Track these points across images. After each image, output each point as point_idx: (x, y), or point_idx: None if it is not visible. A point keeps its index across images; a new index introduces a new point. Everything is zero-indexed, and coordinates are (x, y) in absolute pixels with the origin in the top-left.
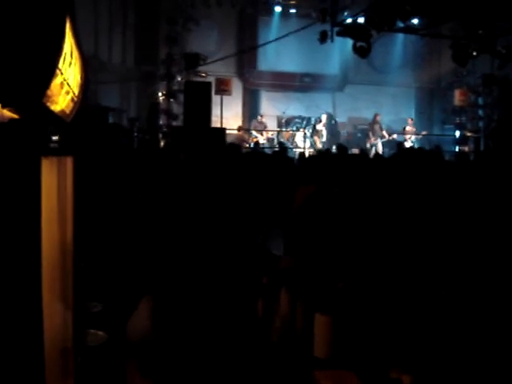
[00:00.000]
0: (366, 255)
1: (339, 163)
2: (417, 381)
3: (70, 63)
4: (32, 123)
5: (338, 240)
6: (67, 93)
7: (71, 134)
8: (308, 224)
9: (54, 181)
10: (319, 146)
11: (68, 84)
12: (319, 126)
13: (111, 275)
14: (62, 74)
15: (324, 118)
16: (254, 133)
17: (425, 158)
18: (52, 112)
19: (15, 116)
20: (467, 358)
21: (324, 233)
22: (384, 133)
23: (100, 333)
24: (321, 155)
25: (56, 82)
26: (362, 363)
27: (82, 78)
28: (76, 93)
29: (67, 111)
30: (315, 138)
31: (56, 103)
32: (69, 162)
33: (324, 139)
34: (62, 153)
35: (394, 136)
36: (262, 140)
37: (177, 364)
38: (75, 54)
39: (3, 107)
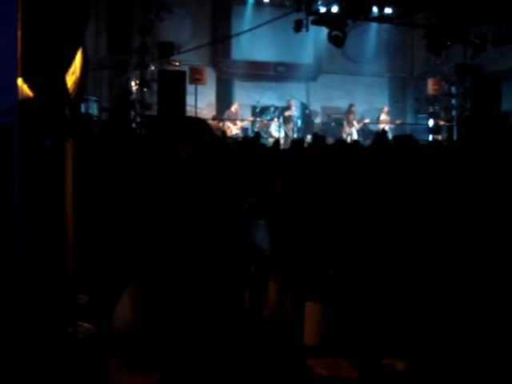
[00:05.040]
0: (357, 242)
1: (318, 153)
2: (410, 367)
3: None
4: (54, 101)
5: (327, 227)
6: (73, 73)
7: (73, 117)
8: (296, 213)
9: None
10: (291, 134)
11: (75, 64)
12: (288, 113)
13: (97, 266)
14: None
15: (292, 104)
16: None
17: (401, 143)
18: (67, 90)
19: (30, 94)
20: (461, 343)
21: (313, 221)
22: (355, 122)
23: (86, 324)
24: (296, 146)
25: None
26: (354, 350)
27: (83, 61)
28: (78, 75)
29: (70, 93)
30: (287, 126)
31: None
32: (69, 145)
33: (299, 125)
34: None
35: (366, 120)
36: (235, 130)
37: (162, 355)
38: None
39: (25, 82)
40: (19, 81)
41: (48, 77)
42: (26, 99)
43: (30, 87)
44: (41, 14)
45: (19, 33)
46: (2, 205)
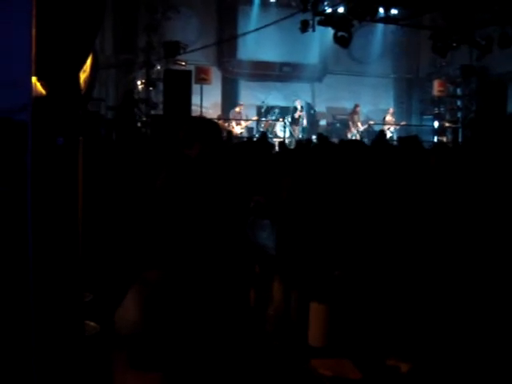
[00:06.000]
0: (362, 243)
1: (323, 153)
2: (415, 368)
3: None
4: (67, 98)
5: (333, 228)
6: (84, 71)
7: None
8: (302, 213)
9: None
10: (298, 135)
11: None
12: (298, 114)
13: (101, 264)
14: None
15: (299, 105)
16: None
17: (406, 144)
18: (80, 88)
19: (43, 91)
20: (465, 345)
21: (319, 221)
22: (359, 124)
23: (92, 323)
24: (303, 146)
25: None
26: (358, 351)
27: (93, 60)
28: (88, 73)
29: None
30: (293, 126)
31: None
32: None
33: (304, 125)
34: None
35: (371, 122)
36: (239, 130)
37: (167, 355)
38: None
39: (38, 80)
40: (33, 79)
41: (62, 75)
42: (40, 97)
43: (43, 85)
44: (54, 11)
45: (34, 31)
46: (15, 201)
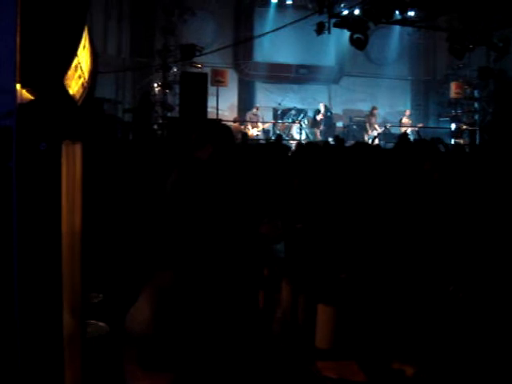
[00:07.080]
0: (368, 246)
1: (339, 154)
2: (419, 372)
3: (84, 46)
4: (51, 105)
5: (341, 231)
6: (79, 77)
7: (80, 119)
8: (310, 215)
9: (63, 167)
10: (319, 137)
11: (81, 68)
12: (318, 117)
13: (111, 265)
14: (76, 55)
15: (322, 108)
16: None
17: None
18: (69, 94)
19: (29, 97)
20: (470, 348)
21: (327, 223)
22: (376, 126)
23: (101, 323)
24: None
25: (72, 63)
26: (364, 354)
27: (92, 63)
28: (86, 78)
29: (77, 96)
30: (315, 129)
31: (69, 87)
32: (77, 148)
33: (322, 128)
34: (71, 138)
35: (388, 125)
36: (256, 132)
37: (177, 356)
38: (87, 37)
39: (22, 87)
40: (18, 86)
41: (45, 81)
42: (25, 103)
43: (28, 92)
44: (36, 19)
45: (18, 39)
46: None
